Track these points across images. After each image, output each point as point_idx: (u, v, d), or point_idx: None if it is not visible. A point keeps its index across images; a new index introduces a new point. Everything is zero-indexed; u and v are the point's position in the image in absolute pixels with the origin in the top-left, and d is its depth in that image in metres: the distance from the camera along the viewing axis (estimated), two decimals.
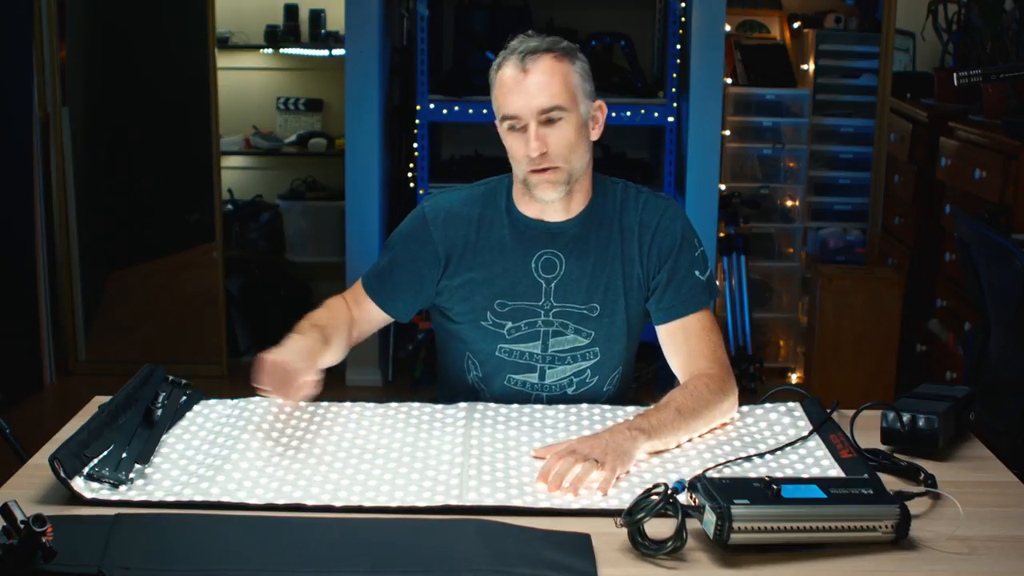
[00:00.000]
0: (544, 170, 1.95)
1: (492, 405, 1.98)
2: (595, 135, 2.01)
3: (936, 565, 1.46)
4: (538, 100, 1.92)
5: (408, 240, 2.09)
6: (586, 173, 2.02)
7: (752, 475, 1.69)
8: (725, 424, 1.93)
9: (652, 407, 1.87)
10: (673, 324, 2.03)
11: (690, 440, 1.85)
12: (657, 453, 1.79)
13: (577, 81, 1.95)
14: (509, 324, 2.05)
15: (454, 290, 2.06)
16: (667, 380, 4.70)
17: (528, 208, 2.04)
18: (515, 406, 1.98)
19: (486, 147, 4.35)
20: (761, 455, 1.78)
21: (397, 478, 1.67)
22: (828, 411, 1.91)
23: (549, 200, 1.99)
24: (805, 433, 1.85)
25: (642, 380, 4.06)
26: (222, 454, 1.73)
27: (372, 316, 2.12)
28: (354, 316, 2.10)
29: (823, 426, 1.87)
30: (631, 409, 1.97)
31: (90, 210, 4.58)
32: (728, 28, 4.32)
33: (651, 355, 4.32)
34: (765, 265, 4.57)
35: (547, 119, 1.93)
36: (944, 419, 1.80)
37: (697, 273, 2.04)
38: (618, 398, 2.12)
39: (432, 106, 4.06)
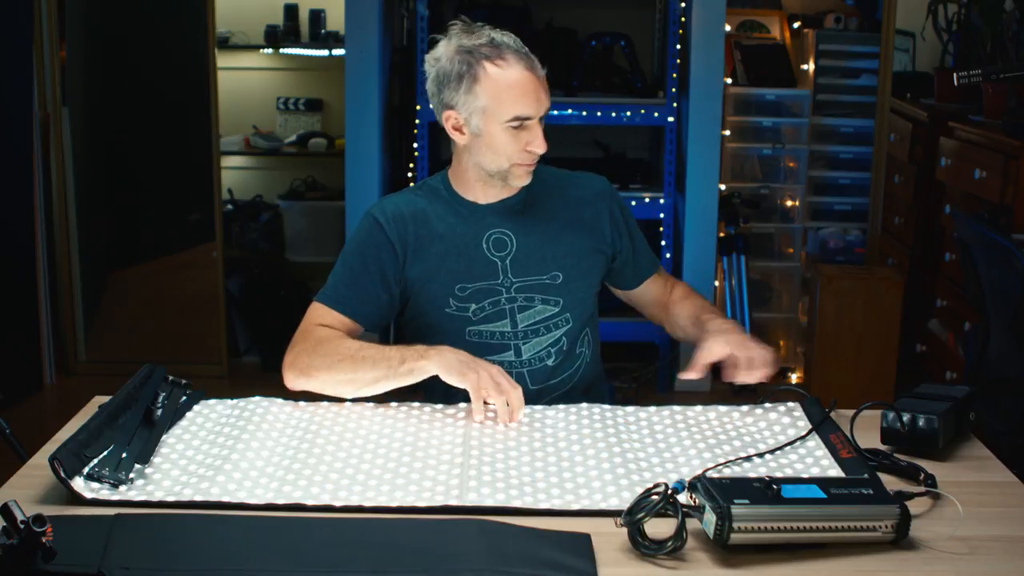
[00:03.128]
0: (533, 163, 2.10)
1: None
2: None
3: (936, 565, 1.46)
4: (546, 102, 2.06)
5: (365, 246, 2.13)
6: None
7: (752, 475, 1.69)
8: (724, 423, 1.93)
9: (710, 315, 2.11)
10: (649, 281, 2.28)
11: (690, 440, 1.85)
12: (657, 453, 1.79)
13: None
14: (473, 306, 2.11)
15: (413, 282, 2.12)
16: (666, 380, 4.71)
17: (470, 193, 2.14)
18: None
19: None
20: (761, 455, 1.78)
21: (397, 478, 1.67)
22: (827, 411, 1.91)
23: (525, 184, 2.12)
24: (805, 433, 1.86)
25: (642, 380, 4.06)
26: (222, 454, 1.73)
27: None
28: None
29: (823, 426, 1.87)
30: (631, 409, 1.98)
31: (90, 210, 4.58)
32: (728, 28, 4.32)
33: (650, 355, 4.32)
34: (765, 265, 4.57)
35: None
36: (944, 419, 1.79)
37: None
38: (594, 363, 2.22)
39: (432, 106, 4.05)
